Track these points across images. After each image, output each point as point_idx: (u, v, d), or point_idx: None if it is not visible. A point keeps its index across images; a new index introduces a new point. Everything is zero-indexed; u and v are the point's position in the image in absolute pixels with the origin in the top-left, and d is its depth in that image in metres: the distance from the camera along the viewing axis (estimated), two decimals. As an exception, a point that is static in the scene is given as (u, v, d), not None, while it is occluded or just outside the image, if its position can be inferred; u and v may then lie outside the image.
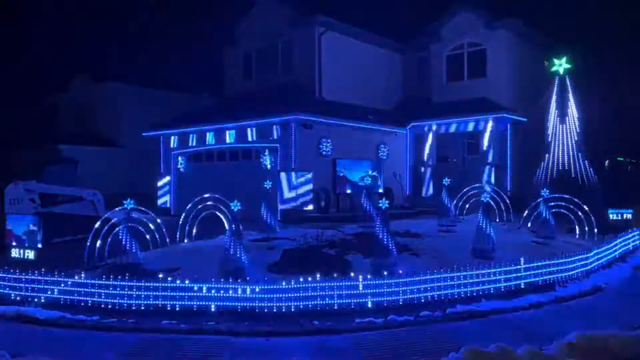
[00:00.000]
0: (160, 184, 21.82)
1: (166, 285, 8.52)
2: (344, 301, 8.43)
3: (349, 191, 18.90)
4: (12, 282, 9.22)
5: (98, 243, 11.26)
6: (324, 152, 18.70)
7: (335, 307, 8.37)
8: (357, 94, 22.09)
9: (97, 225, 11.50)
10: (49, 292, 8.96)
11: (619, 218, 16.94)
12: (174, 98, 27.72)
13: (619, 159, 26.06)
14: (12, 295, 9.18)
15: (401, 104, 24.14)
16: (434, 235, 13.31)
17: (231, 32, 23.75)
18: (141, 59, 32.01)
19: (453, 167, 21.53)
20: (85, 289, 8.78)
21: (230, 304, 8.33)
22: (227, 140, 19.70)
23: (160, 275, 8.96)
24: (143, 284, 8.55)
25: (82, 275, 9.01)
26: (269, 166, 18.28)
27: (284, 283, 8.34)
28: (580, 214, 14.21)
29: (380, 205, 10.04)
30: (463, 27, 22.00)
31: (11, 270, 9.34)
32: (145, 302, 8.49)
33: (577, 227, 14.37)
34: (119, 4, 41.92)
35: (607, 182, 18.93)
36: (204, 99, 28.61)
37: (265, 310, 8.24)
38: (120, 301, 8.57)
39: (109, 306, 8.60)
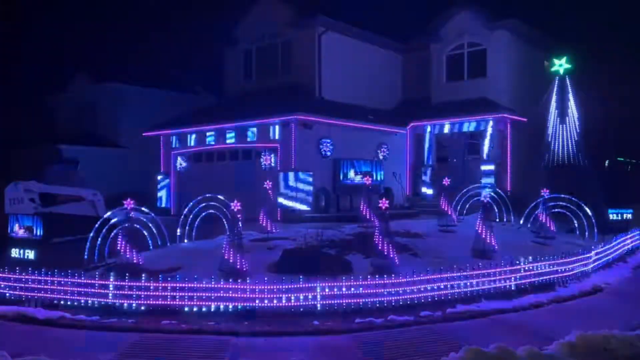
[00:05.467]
0: (160, 184, 21.82)
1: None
2: (344, 301, 8.43)
3: None
4: (12, 282, 9.21)
5: (98, 243, 11.27)
6: (324, 152, 18.68)
7: (336, 307, 8.37)
8: (357, 94, 22.07)
9: (97, 225, 11.51)
10: (49, 292, 8.96)
11: (619, 218, 16.96)
12: (174, 98, 27.66)
13: (619, 159, 26.05)
14: (12, 295, 9.17)
15: (401, 104, 24.11)
16: (434, 235, 13.32)
17: (231, 31, 23.72)
18: (141, 59, 32.00)
19: (453, 167, 21.52)
20: (85, 289, 8.78)
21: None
22: (227, 140, 19.69)
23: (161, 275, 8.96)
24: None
25: (82, 275, 9.01)
26: (269, 166, 18.27)
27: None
28: (580, 214, 14.22)
29: (380, 205, 10.04)
30: (463, 27, 21.99)
31: (11, 270, 9.34)
32: (145, 302, 8.49)
33: (577, 227, 14.37)
34: (119, 4, 41.95)
35: (607, 182, 18.93)
36: (204, 99, 28.60)
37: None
38: (120, 301, 8.57)
39: (109, 306, 8.60)
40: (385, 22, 25.02)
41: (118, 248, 10.47)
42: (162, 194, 21.74)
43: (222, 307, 8.33)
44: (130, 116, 26.30)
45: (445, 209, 15.11)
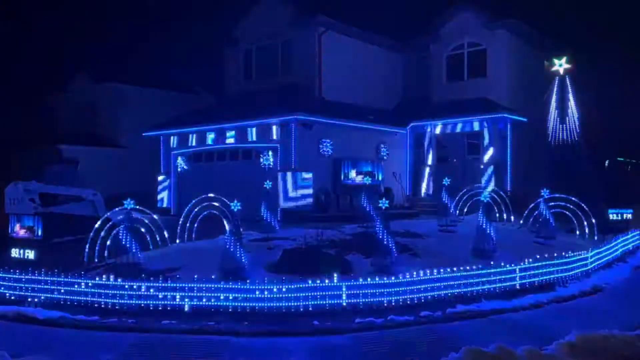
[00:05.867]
0: (160, 184, 21.82)
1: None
2: (343, 301, 8.42)
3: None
4: (12, 282, 9.21)
5: (98, 243, 11.26)
6: (324, 152, 18.68)
7: (336, 307, 8.36)
8: (357, 94, 22.07)
9: (97, 225, 11.50)
10: (49, 292, 8.95)
11: (619, 218, 16.94)
12: (174, 98, 27.68)
13: (619, 159, 26.06)
14: (12, 295, 9.17)
15: (401, 104, 24.11)
16: (434, 235, 13.31)
17: (231, 31, 23.72)
18: (141, 59, 32.01)
19: (453, 167, 21.52)
20: (85, 289, 8.78)
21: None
22: (227, 140, 19.69)
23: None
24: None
25: (82, 275, 9.01)
26: (269, 166, 18.27)
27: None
28: (580, 214, 14.21)
29: (380, 205, 10.05)
30: (463, 27, 21.99)
31: (11, 270, 9.34)
32: (145, 302, 8.48)
33: (577, 227, 14.37)
34: (118, 4, 41.95)
35: (607, 182, 18.93)
36: (204, 99, 28.60)
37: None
38: (120, 301, 8.57)
39: (109, 306, 8.60)
40: (386, 22, 25.01)
41: (118, 248, 10.48)
42: (162, 194, 21.74)
43: (222, 307, 8.32)
44: (130, 116, 26.30)
45: (445, 209, 15.09)
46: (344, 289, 8.43)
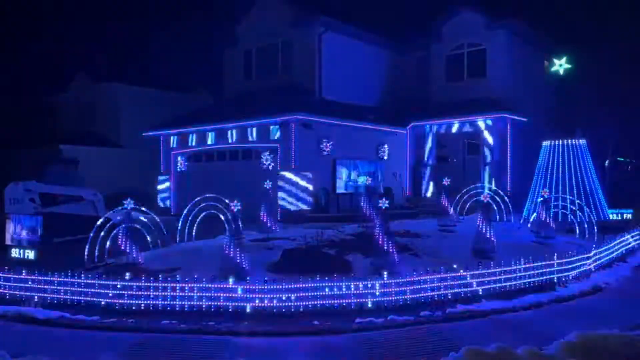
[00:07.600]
0: (160, 184, 21.81)
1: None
2: (344, 301, 8.42)
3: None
4: (12, 282, 9.21)
5: (98, 243, 11.26)
6: (324, 152, 18.69)
7: (336, 307, 8.36)
8: (357, 94, 22.09)
9: (97, 225, 11.50)
10: (48, 292, 8.95)
11: (619, 218, 16.94)
12: (174, 98, 27.73)
13: (619, 159, 26.06)
14: (12, 295, 9.17)
15: (401, 104, 24.14)
16: (434, 235, 13.30)
17: (231, 32, 23.76)
18: (141, 59, 32.06)
19: (453, 167, 21.53)
20: (85, 289, 8.78)
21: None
22: (227, 140, 19.71)
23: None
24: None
25: (82, 275, 9.01)
26: (269, 166, 18.27)
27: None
28: (580, 213, 14.21)
29: (380, 205, 10.04)
30: (463, 27, 22.00)
31: (11, 270, 9.33)
32: (145, 302, 8.48)
33: (576, 226, 14.37)
34: (119, 4, 41.97)
35: (607, 182, 18.93)
36: (204, 99, 28.63)
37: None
38: (120, 301, 8.57)
39: (109, 306, 8.60)
40: (386, 22, 25.05)
41: (118, 248, 10.48)
42: (162, 194, 21.74)
43: (222, 307, 8.32)
44: (130, 116, 26.35)
45: (445, 209, 15.10)
46: (343, 289, 8.43)
